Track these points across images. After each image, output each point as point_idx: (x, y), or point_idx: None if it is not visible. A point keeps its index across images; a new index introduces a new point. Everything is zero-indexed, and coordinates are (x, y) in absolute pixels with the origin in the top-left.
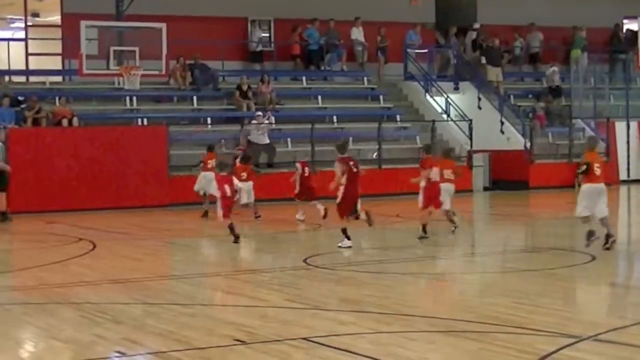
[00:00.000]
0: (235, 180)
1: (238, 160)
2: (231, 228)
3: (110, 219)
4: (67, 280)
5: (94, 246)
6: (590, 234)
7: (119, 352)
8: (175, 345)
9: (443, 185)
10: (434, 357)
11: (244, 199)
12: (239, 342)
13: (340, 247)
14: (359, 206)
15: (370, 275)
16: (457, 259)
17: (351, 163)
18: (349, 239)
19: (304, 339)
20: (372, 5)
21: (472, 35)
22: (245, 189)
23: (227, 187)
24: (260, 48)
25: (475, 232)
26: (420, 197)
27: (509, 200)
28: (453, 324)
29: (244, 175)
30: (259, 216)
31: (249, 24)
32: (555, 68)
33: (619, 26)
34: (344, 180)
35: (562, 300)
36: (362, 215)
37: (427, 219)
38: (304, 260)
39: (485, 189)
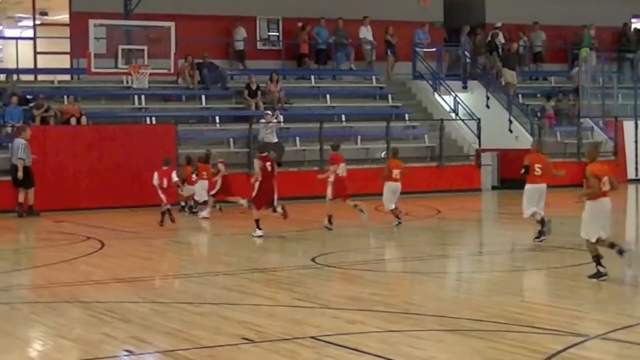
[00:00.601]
0: (174, 175)
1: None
2: (163, 213)
3: (118, 218)
4: (76, 279)
5: (102, 245)
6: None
7: (127, 350)
8: (183, 344)
9: (391, 184)
10: (442, 356)
11: (199, 197)
12: (247, 341)
13: (253, 236)
14: (275, 202)
15: (378, 274)
16: (465, 258)
17: (267, 163)
18: (259, 229)
19: (312, 337)
20: (380, 4)
21: (495, 35)
22: (200, 187)
23: (164, 179)
24: (241, 47)
25: (483, 231)
26: (329, 190)
27: (517, 199)
28: (461, 323)
29: (205, 174)
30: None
31: (258, 23)
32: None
33: (627, 25)
34: (259, 176)
35: (569, 299)
36: (279, 209)
37: (332, 209)
38: (312, 259)
39: (494, 187)
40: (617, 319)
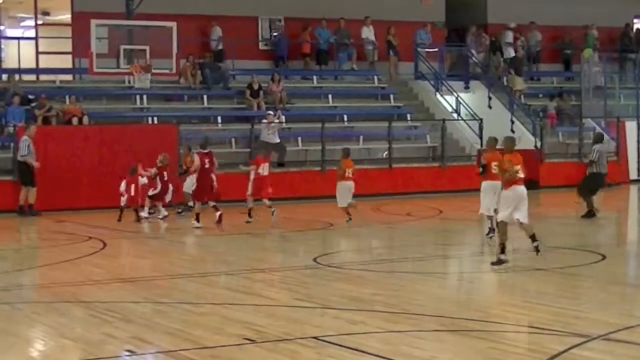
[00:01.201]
0: (142, 180)
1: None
2: (135, 210)
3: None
4: (77, 279)
5: (104, 245)
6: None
7: (128, 350)
8: (184, 344)
9: (345, 183)
10: (444, 356)
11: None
12: (248, 341)
13: (192, 226)
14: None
15: (379, 275)
16: (466, 258)
17: (206, 160)
18: (198, 221)
19: (314, 337)
20: (382, 4)
21: (500, 35)
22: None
23: (132, 186)
24: (220, 47)
25: (484, 231)
26: (250, 186)
27: None
28: (462, 323)
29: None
30: (180, 212)
31: (260, 23)
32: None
33: (629, 25)
34: (198, 170)
35: (571, 300)
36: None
37: (252, 204)
38: (314, 259)
39: None
40: (618, 320)
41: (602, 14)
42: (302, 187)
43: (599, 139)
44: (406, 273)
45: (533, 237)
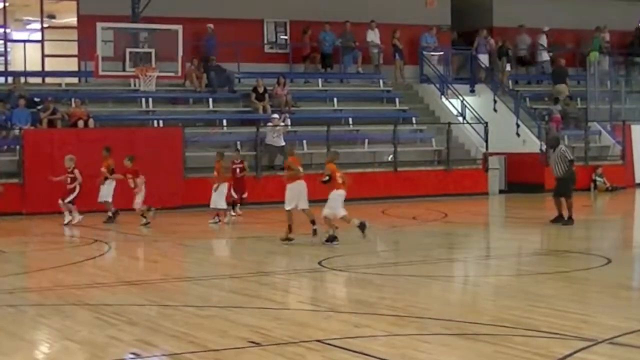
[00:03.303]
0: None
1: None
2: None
3: (124, 221)
4: (82, 281)
5: (109, 248)
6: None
7: (133, 353)
8: (189, 347)
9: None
10: (449, 359)
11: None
12: (253, 344)
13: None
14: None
15: (384, 278)
16: (472, 261)
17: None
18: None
19: (319, 341)
20: (387, 7)
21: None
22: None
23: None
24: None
25: (490, 235)
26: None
27: (524, 203)
28: (467, 327)
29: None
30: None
31: (265, 26)
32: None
33: (638, 29)
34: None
35: (577, 303)
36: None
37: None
38: (319, 263)
39: (501, 191)
40: (625, 323)
41: (610, 18)
42: (307, 190)
43: (557, 141)
44: (411, 276)
45: (313, 222)
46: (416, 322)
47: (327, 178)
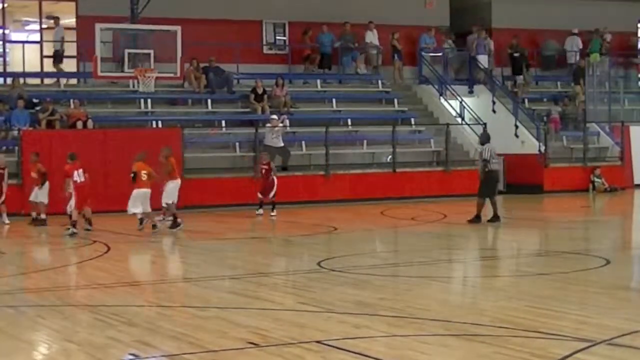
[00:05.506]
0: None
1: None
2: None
3: (124, 222)
4: (82, 282)
5: (108, 249)
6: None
7: (132, 354)
8: (188, 348)
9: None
10: None
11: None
12: (252, 345)
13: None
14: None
15: (384, 279)
16: (471, 262)
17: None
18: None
19: (318, 342)
20: (386, 9)
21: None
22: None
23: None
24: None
25: (489, 235)
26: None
27: (523, 204)
28: (467, 328)
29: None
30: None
31: (264, 27)
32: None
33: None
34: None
35: (576, 304)
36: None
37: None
38: (318, 264)
39: (500, 192)
40: (623, 325)
41: (609, 19)
42: (306, 191)
43: (486, 138)
44: (411, 277)
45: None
46: (415, 323)
47: (132, 175)
